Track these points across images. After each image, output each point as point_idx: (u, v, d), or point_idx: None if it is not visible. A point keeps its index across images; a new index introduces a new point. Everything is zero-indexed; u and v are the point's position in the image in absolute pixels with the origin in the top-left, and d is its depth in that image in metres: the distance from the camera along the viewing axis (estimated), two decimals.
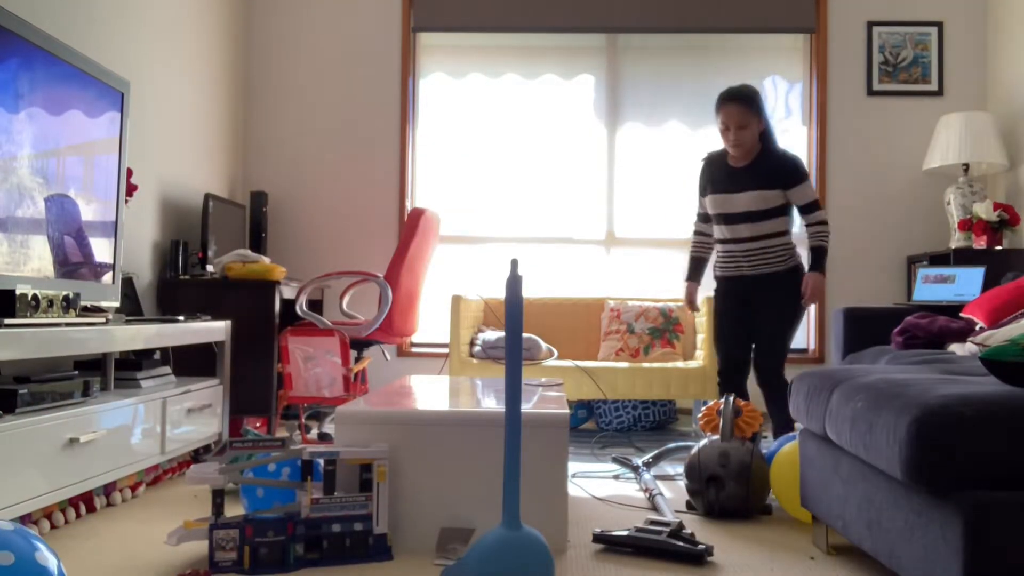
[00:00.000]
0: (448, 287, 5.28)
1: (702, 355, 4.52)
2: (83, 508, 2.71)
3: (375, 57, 5.30)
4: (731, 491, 2.77)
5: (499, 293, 5.09)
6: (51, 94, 2.64)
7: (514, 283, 1.99)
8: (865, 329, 3.99)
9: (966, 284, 4.27)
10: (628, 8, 5.22)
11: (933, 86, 5.17)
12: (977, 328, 3.53)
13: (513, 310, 1.99)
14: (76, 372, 2.73)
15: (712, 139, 5.27)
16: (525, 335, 4.56)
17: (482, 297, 4.96)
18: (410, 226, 4.09)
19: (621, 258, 5.29)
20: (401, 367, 5.24)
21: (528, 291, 5.23)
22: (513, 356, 1.98)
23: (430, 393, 2.85)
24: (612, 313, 4.85)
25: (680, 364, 4.51)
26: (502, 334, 4.55)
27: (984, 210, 4.53)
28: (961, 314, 3.79)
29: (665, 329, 4.77)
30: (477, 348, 4.58)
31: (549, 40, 5.33)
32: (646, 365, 4.42)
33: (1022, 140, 4.77)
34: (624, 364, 4.45)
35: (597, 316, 4.99)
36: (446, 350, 5.22)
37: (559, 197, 5.31)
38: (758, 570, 2.24)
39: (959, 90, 5.17)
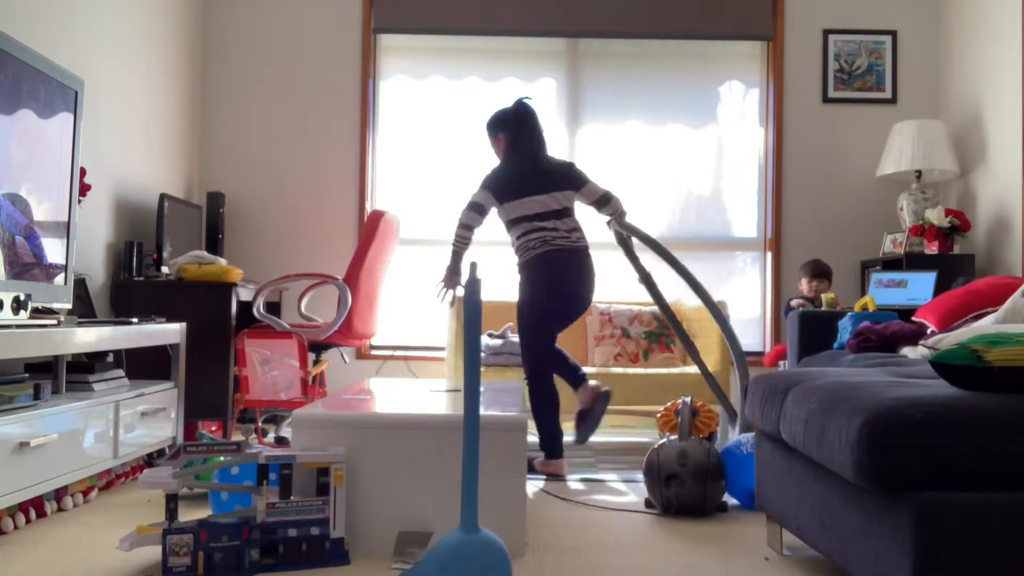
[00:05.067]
0: (409, 289, 5.26)
1: (713, 360, 4.45)
2: (33, 514, 2.66)
3: (335, 58, 5.27)
4: (689, 489, 2.81)
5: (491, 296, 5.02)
6: (2, 91, 2.58)
7: (473, 286, 1.99)
8: (820, 332, 4.04)
9: (918, 289, 4.35)
10: (589, 13, 5.25)
11: (887, 94, 5.26)
12: (928, 332, 3.60)
13: (472, 313, 1.99)
14: (27, 375, 2.68)
15: (671, 142, 5.32)
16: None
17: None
18: (369, 228, 4.07)
19: None
20: (360, 370, 5.21)
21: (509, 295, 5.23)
22: (472, 359, 1.98)
23: (388, 396, 2.84)
24: (603, 317, 4.75)
25: (692, 369, 4.41)
26: (509, 339, 4.45)
27: (936, 216, 4.61)
28: (913, 318, 3.86)
29: (660, 333, 4.67)
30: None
31: (510, 44, 5.34)
32: (651, 371, 4.30)
33: (973, 148, 4.87)
34: (627, 370, 4.35)
35: (582, 319, 4.87)
36: (406, 353, 5.22)
37: None
38: (714, 571, 2.26)
39: (912, 98, 5.27)
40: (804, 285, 4.85)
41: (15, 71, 2.64)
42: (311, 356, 4.54)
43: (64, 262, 3.01)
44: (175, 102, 4.85)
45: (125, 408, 3.05)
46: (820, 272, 4.81)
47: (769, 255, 5.29)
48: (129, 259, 4.06)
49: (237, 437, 4.45)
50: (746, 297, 5.33)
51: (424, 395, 2.90)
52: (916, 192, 4.84)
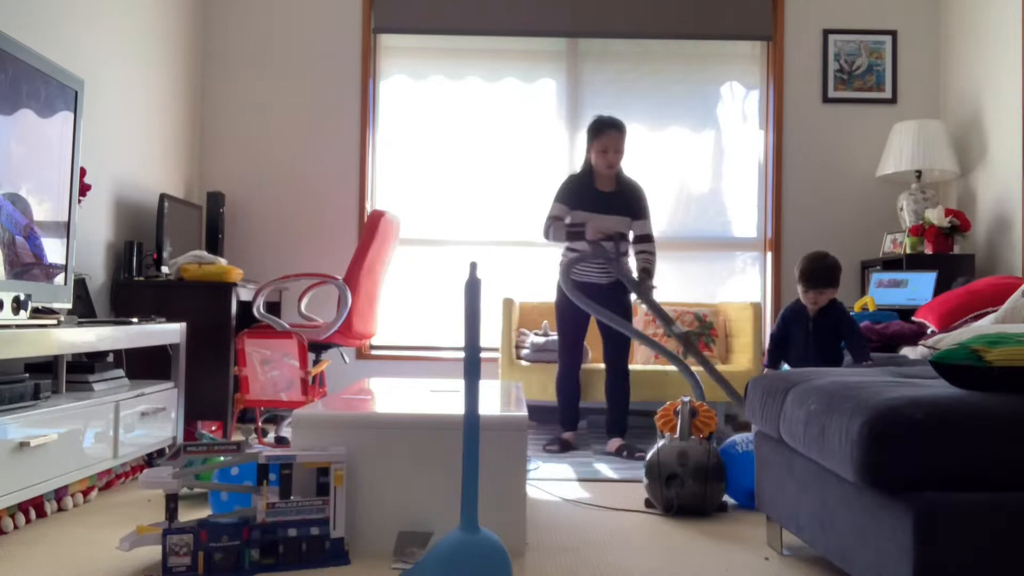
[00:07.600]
0: (408, 289, 5.26)
1: (747, 358, 4.60)
2: (33, 514, 2.66)
3: (335, 57, 5.26)
4: (689, 489, 2.81)
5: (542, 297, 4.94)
6: (2, 91, 2.58)
7: (473, 286, 1.99)
8: None
9: (918, 289, 4.35)
10: (589, 13, 5.25)
11: (887, 94, 5.26)
12: (928, 332, 3.60)
13: (472, 312, 1.98)
14: (27, 375, 2.68)
15: (671, 142, 5.32)
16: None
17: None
18: (369, 228, 4.07)
19: None
20: (360, 370, 5.21)
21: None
22: (472, 359, 1.97)
23: (388, 396, 2.84)
24: (647, 317, 4.88)
25: (730, 367, 4.60)
26: (550, 336, 4.60)
27: (936, 216, 4.61)
28: (913, 318, 3.86)
29: (701, 333, 4.85)
30: (526, 351, 4.67)
31: (510, 43, 5.34)
32: (697, 368, 4.44)
33: (973, 148, 4.87)
34: (653, 368, 4.57)
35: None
36: (407, 353, 5.22)
37: (520, 201, 5.31)
38: (714, 571, 2.26)
39: (912, 98, 5.27)
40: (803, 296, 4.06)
41: (15, 71, 2.64)
42: (311, 356, 4.54)
43: (64, 262, 3.01)
44: (176, 102, 4.85)
45: (125, 408, 3.05)
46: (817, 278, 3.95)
47: (769, 255, 5.29)
48: (129, 259, 4.06)
49: (237, 437, 4.45)
50: (746, 297, 5.32)
51: (424, 395, 2.90)
52: (916, 192, 4.84)
